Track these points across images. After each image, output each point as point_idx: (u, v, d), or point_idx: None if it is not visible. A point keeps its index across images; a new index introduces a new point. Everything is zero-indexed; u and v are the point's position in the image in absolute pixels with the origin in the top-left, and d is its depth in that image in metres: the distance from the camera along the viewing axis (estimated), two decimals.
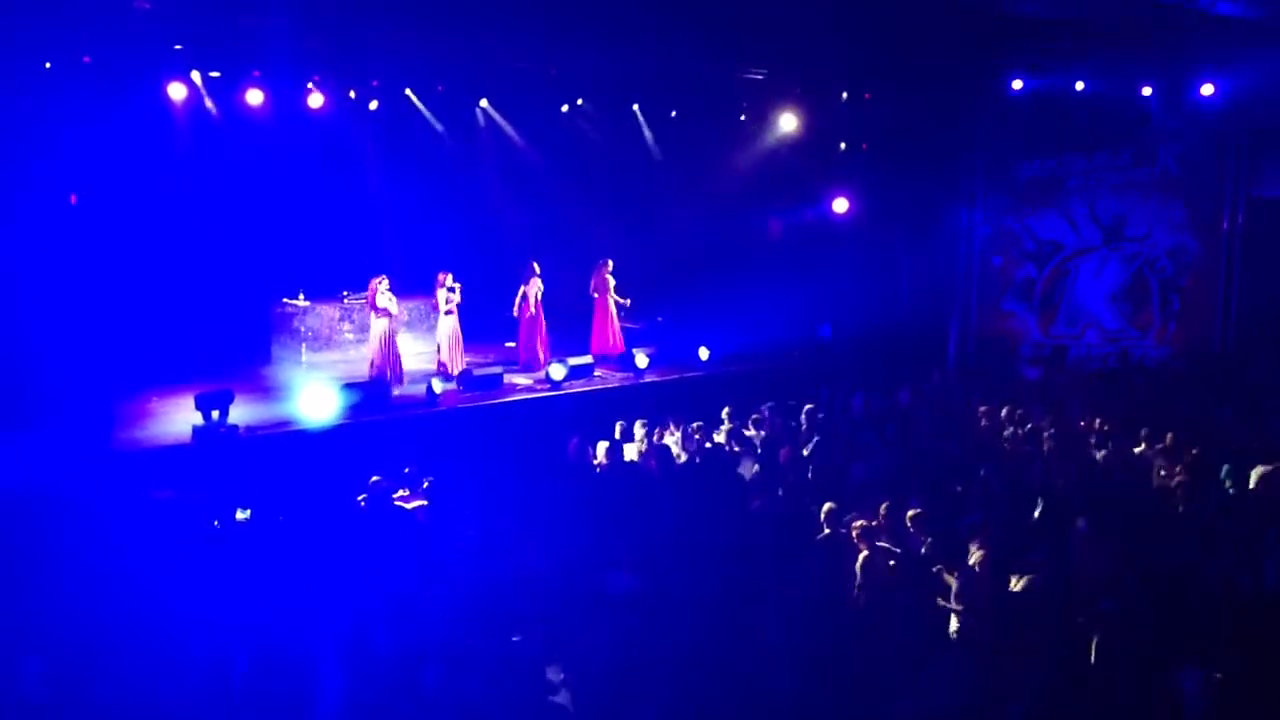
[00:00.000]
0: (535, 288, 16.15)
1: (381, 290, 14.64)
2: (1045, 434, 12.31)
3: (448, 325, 15.43)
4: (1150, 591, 7.85)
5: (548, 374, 15.19)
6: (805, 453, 11.63)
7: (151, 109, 14.52)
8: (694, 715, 6.52)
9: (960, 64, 16.49)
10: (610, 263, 16.99)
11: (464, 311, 15.66)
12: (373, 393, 13.66)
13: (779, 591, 8.01)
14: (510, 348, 16.75)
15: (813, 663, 6.95)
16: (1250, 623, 7.13)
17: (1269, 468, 10.15)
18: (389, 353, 14.76)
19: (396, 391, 14.30)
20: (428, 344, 16.65)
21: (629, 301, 17.12)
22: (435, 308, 15.67)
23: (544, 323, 16.30)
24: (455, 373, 15.16)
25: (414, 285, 16.53)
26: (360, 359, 15.73)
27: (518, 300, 16.17)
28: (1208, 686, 6.36)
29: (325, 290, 16.61)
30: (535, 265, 16.25)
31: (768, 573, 8.44)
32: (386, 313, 14.69)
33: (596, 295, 17.01)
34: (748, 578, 8.24)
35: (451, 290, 15.38)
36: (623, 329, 17.33)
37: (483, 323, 16.95)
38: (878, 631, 7.72)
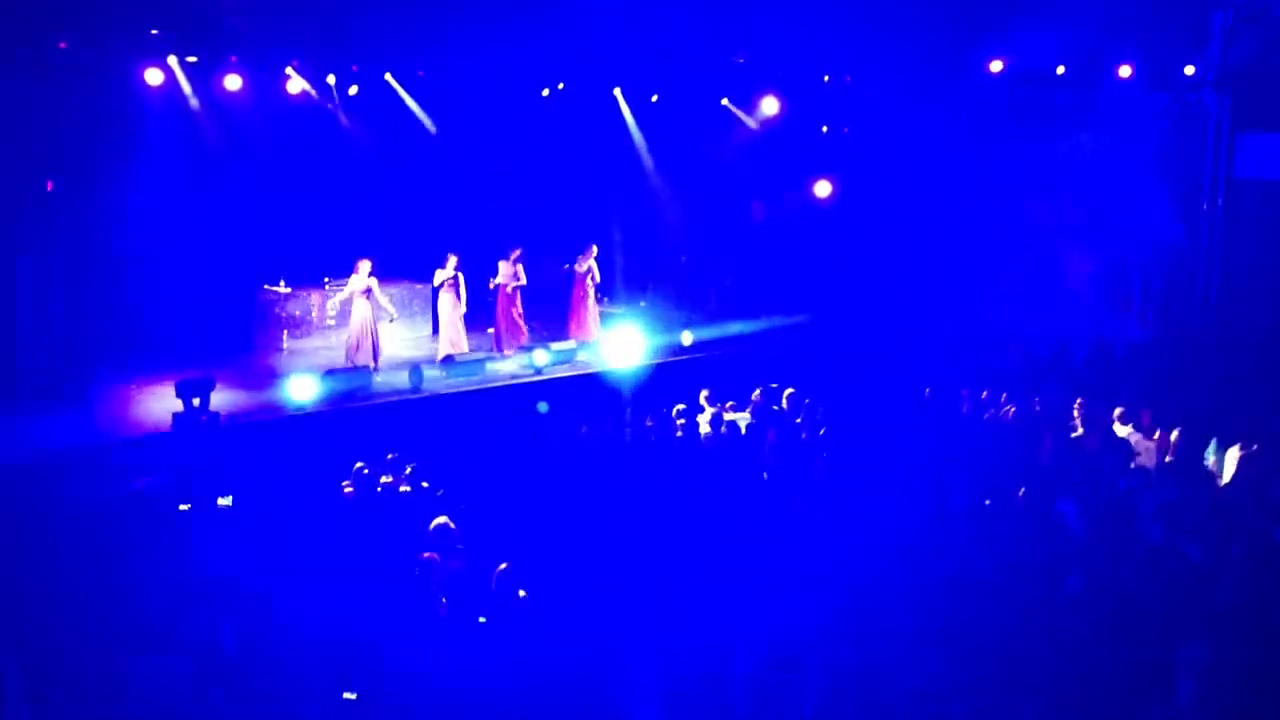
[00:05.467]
0: (508, 272, 16.15)
1: (363, 273, 14.64)
2: (1024, 415, 12.36)
3: (449, 305, 15.52)
4: (1131, 570, 7.93)
5: (531, 360, 15.23)
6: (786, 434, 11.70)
7: (128, 95, 14.39)
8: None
9: (942, 45, 16.50)
10: (595, 248, 16.95)
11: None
12: (355, 379, 13.67)
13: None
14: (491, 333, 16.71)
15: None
16: (1226, 602, 7.20)
17: (1244, 449, 10.25)
18: (370, 337, 14.75)
19: (379, 379, 14.28)
20: (413, 329, 16.69)
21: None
22: (434, 291, 15.79)
23: (519, 307, 16.30)
24: (459, 352, 15.30)
25: (396, 270, 16.50)
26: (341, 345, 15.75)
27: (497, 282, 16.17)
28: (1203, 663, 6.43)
29: (306, 276, 16.54)
30: (514, 251, 16.22)
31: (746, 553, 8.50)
32: (370, 295, 14.69)
33: (577, 280, 16.95)
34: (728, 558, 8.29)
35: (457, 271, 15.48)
36: (602, 314, 17.33)
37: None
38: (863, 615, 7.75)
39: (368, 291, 14.71)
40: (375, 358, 14.76)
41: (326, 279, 16.52)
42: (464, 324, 15.74)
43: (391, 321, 15.35)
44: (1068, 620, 7.29)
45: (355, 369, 14.24)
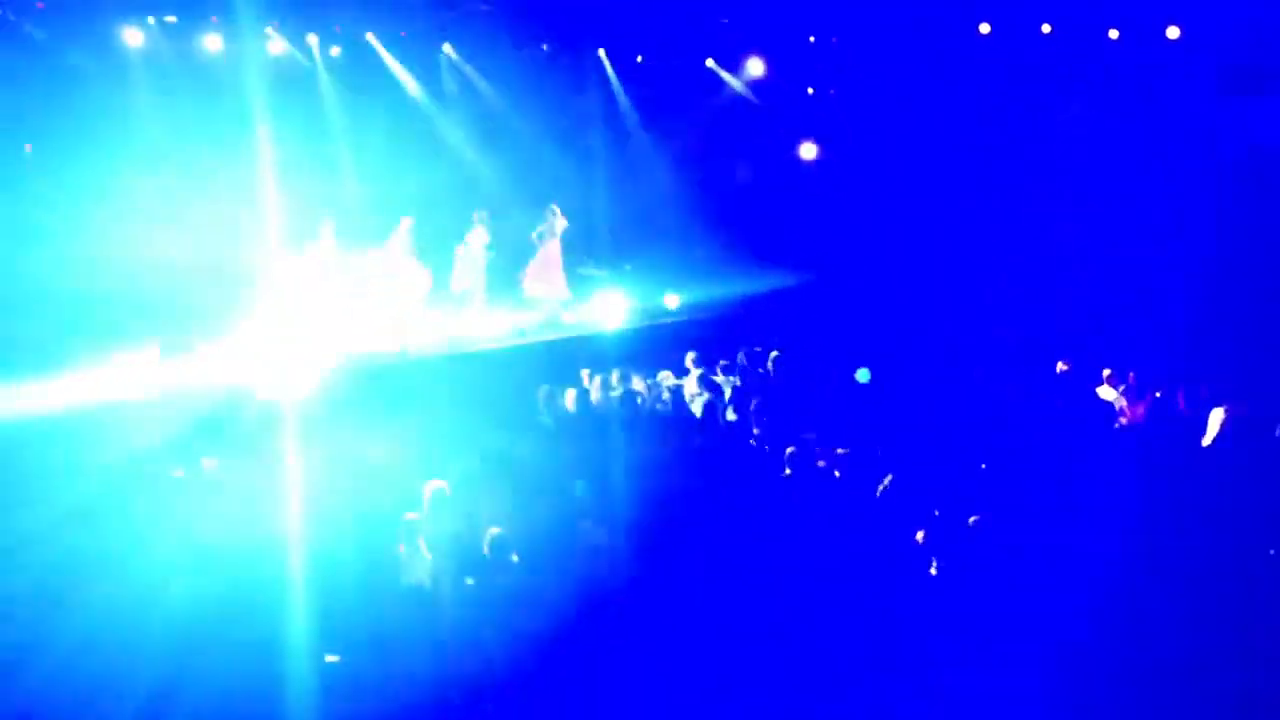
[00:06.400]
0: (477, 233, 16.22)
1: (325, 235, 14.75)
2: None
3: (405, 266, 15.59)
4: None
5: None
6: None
7: (107, 55, 14.23)
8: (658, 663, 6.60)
9: (928, 6, 16.43)
10: (555, 207, 16.93)
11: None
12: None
13: (747, 536, 8.09)
14: None
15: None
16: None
17: (1228, 410, 10.30)
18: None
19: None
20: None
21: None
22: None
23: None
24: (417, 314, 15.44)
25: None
26: None
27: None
28: None
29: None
30: (477, 215, 16.26)
31: (737, 517, 8.52)
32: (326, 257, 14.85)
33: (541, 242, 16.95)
34: (716, 522, 8.31)
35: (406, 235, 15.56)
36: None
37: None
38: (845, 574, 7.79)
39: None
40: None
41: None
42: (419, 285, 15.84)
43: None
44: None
45: (342, 333, 14.21)
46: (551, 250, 16.70)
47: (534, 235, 16.63)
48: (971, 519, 7.70)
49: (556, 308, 16.28)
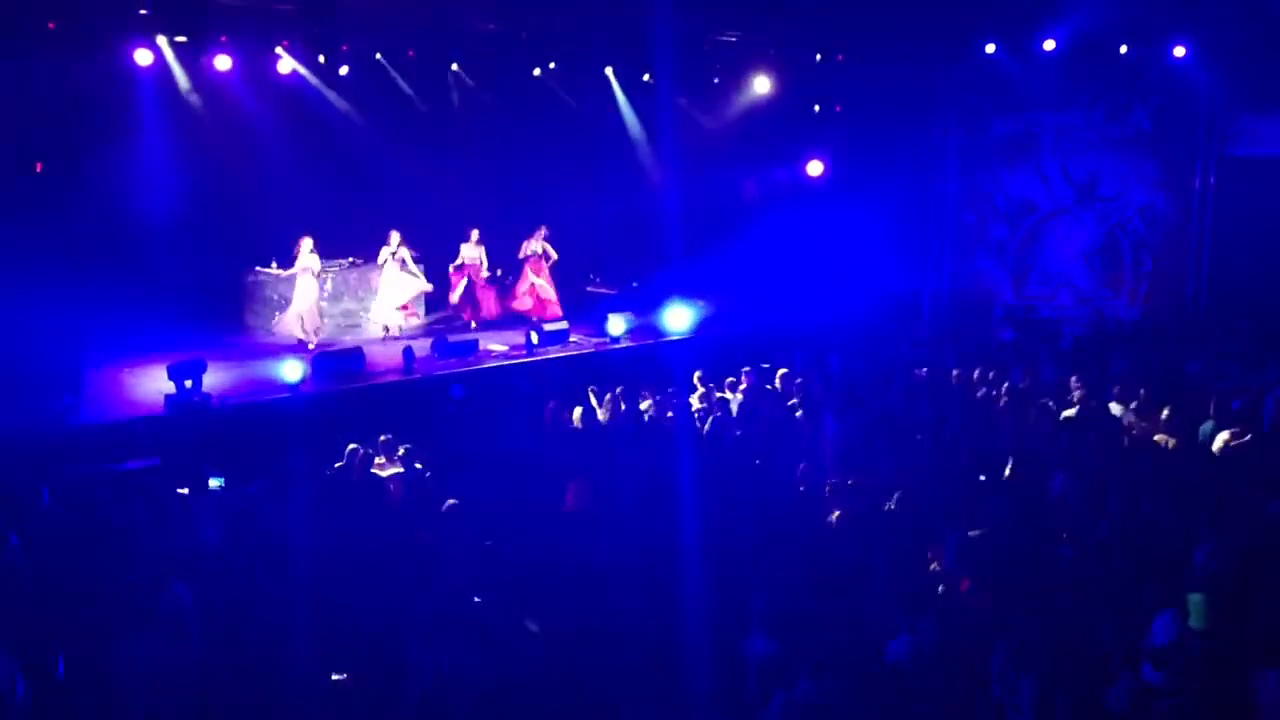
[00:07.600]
0: (471, 252, 16.63)
1: (306, 251, 14.87)
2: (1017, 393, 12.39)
3: (391, 282, 15.93)
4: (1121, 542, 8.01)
5: (527, 337, 15.29)
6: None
7: (118, 75, 14.34)
8: (662, 671, 6.59)
9: (934, 22, 16.43)
10: (545, 229, 17.13)
11: (430, 275, 16.48)
12: (348, 360, 13.70)
13: (754, 551, 8.09)
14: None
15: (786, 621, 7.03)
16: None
17: (1232, 433, 10.30)
18: (316, 313, 15.15)
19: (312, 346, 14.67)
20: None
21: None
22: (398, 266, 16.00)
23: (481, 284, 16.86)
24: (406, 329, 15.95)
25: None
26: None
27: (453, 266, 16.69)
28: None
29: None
30: (474, 232, 16.70)
31: (744, 534, 8.52)
32: (310, 272, 14.95)
33: (526, 261, 17.19)
34: (722, 539, 8.31)
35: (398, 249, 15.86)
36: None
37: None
38: (855, 588, 7.80)
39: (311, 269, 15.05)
40: (315, 335, 15.12)
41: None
42: (409, 300, 16.26)
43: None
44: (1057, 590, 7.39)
45: (348, 351, 14.25)
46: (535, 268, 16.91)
47: (524, 251, 16.90)
48: None
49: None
